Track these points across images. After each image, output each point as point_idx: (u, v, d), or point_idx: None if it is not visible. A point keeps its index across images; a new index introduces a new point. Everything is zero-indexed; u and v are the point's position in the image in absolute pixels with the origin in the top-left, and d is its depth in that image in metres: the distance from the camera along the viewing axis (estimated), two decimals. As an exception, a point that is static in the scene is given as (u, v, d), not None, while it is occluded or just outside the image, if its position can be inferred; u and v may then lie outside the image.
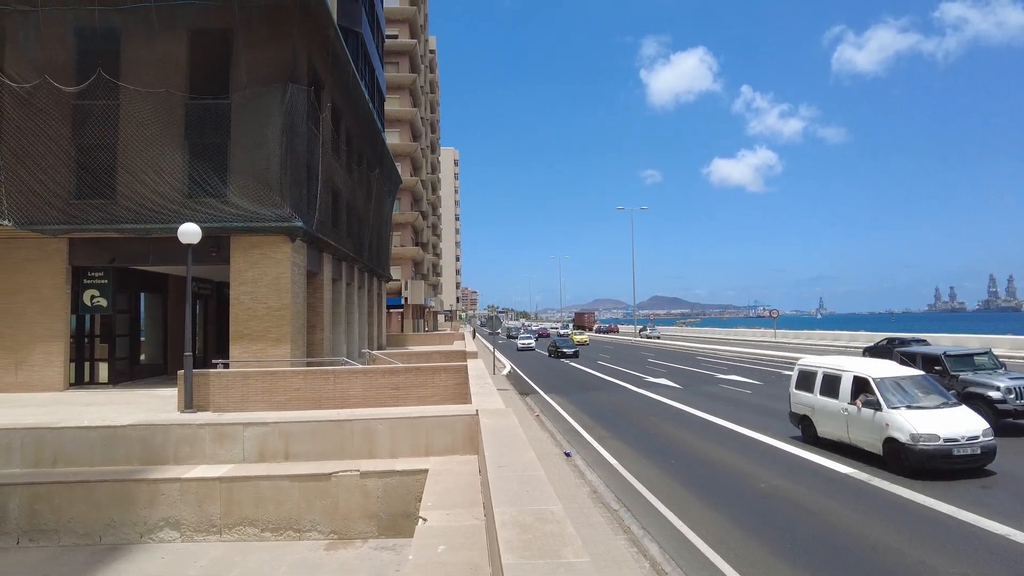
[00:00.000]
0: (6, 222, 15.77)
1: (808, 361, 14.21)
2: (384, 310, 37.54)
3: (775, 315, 55.74)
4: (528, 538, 3.92)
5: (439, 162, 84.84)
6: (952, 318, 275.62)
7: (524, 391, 24.45)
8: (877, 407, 11.21)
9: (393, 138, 48.86)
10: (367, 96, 25.71)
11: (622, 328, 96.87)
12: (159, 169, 16.44)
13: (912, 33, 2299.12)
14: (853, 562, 7.46)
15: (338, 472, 9.24)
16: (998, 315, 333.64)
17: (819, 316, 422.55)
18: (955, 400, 11.85)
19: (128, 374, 18.90)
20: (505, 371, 32.95)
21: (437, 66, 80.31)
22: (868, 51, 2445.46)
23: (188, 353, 12.53)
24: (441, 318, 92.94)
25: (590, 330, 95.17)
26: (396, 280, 47.29)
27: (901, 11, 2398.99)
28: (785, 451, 13.05)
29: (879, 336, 45.42)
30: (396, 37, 50.54)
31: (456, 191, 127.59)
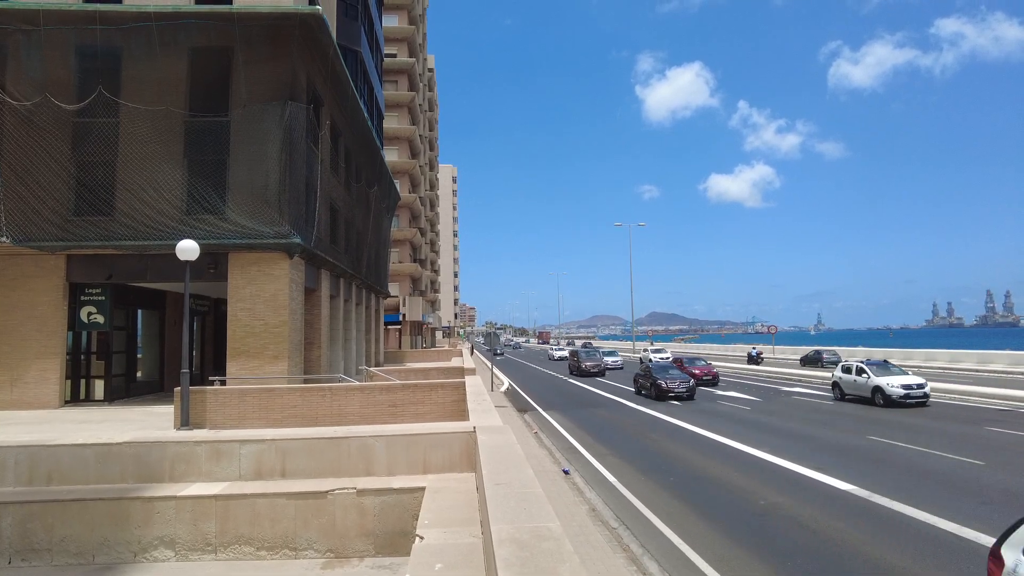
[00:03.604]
0: (4, 238, 15.80)
1: None
2: (382, 326, 37.49)
3: (773, 331, 55.75)
4: (525, 555, 3.89)
5: (437, 179, 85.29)
6: (949, 333, 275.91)
7: (522, 408, 24.35)
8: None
9: (392, 155, 49.13)
10: (366, 114, 25.91)
11: (617, 344, 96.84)
12: (158, 186, 16.52)
13: (909, 48, 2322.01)
14: (854, 580, 7.39)
15: (335, 490, 9.17)
16: (996, 331, 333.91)
17: (814, 332, 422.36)
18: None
19: (124, 391, 18.80)
20: (503, 388, 32.84)
21: (436, 84, 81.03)
22: (865, 66, 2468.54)
23: (185, 370, 12.50)
24: (439, 334, 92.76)
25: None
26: (394, 296, 47.27)
27: (897, 26, 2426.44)
28: (784, 467, 12.99)
29: (876, 351, 45.49)
30: (395, 56, 51.02)
31: (454, 208, 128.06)
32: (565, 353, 63.45)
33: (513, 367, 53.44)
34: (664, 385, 25.50)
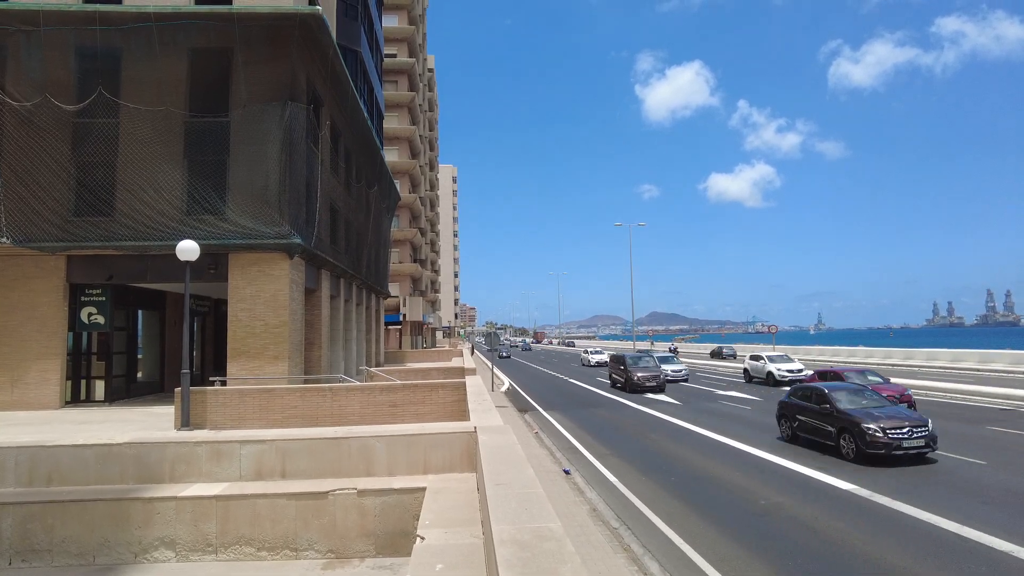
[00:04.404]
0: (4, 239, 15.79)
1: None
2: (382, 327, 37.49)
3: (774, 331, 55.68)
4: (527, 556, 3.88)
5: (438, 179, 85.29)
6: (950, 333, 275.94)
7: (523, 408, 24.34)
8: None
9: (392, 155, 49.13)
10: (366, 114, 25.90)
11: (619, 345, 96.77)
12: (158, 186, 16.52)
13: (910, 47, 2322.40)
14: (856, 580, 7.33)
15: (335, 490, 9.16)
16: (996, 330, 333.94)
17: (813, 331, 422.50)
18: None
19: (125, 392, 18.80)
20: (504, 388, 32.84)
21: (435, 84, 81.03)
22: (865, 65, 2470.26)
23: (185, 370, 12.49)
24: (439, 334, 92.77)
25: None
26: (394, 297, 47.27)
27: (897, 25, 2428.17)
28: (786, 467, 12.97)
29: (877, 351, 45.46)
30: (395, 56, 51.03)
31: (454, 208, 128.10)
32: (604, 358, 49.28)
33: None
34: (880, 434, 12.90)
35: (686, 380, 33.78)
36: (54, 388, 16.44)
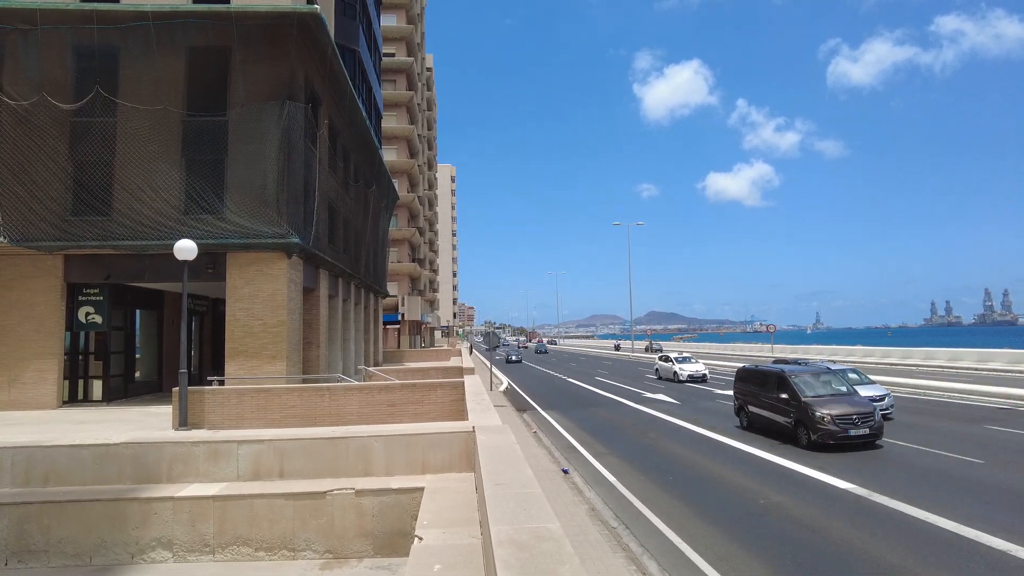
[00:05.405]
0: (2, 239, 15.76)
1: None
2: (381, 326, 37.45)
3: (772, 330, 55.78)
4: (525, 556, 3.86)
5: (436, 179, 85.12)
6: (948, 332, 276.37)
7: (521, 407, 24.33)
8: None
9: (390, 155, 49.06)
10: (364, 113, 25.86)
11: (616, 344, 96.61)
12: (156, 186, 16.47)
13: (909, 46, 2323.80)
14: (855, 580, 7.30)
15: (333, 490, 9.13)
16: (994, 329, 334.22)
17: (810, 331, 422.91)
18: None
19: (122, 391, 18.75)
20: (502, 387, 32.82)
21: (434, 84, 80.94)
22: (864, 64, 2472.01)
23: (183, 370, 12.47)
24: (438, 334, 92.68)
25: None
26: (393, 296, 47.21)
27: (896, 24, 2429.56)
28: (784, 466, 12.97)
29: (876, 350, 45.50)
30: (393, 55, 50.94)
31: (453, 207, 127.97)
32: (701, 370, 33.23)
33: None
34: None
35: (891, 416, 18.01)
36: (51, 388, 16.39)
